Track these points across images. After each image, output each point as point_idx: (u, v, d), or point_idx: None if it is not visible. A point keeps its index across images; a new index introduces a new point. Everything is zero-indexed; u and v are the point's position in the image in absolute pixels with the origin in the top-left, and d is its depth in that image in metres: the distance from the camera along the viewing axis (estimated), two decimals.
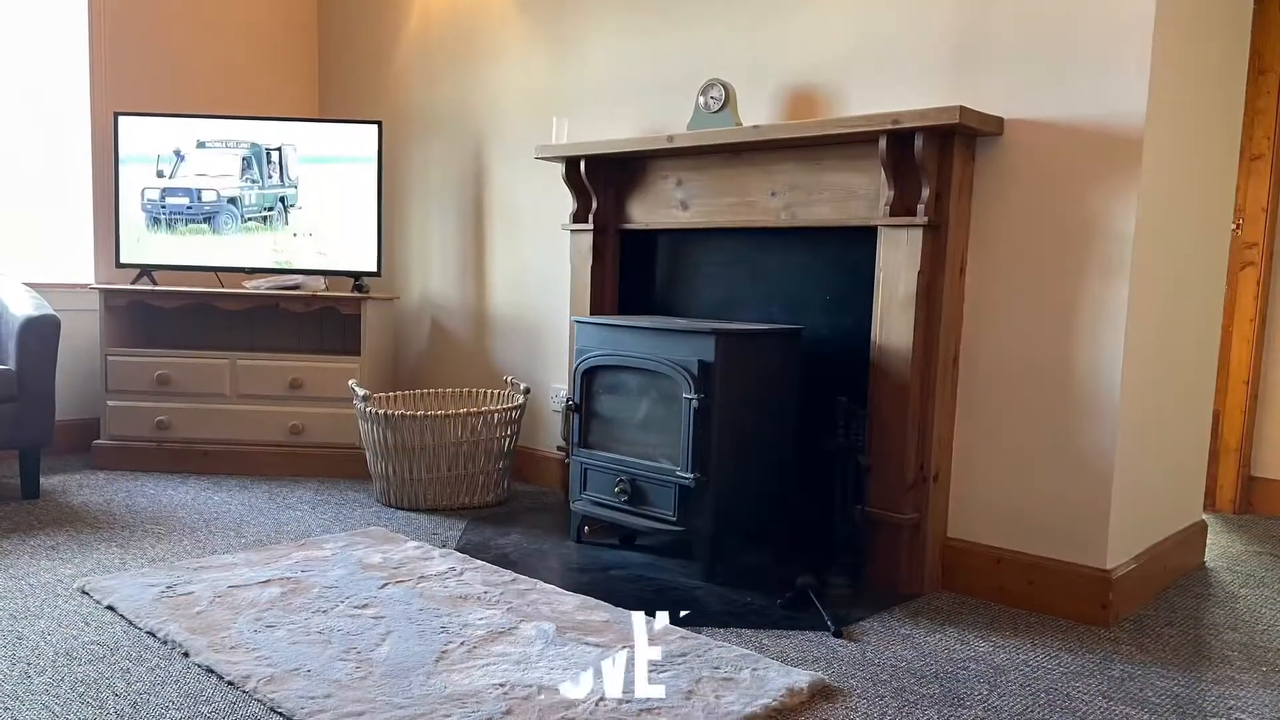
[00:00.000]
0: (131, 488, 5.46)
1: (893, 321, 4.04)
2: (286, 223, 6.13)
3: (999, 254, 4.00)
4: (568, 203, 5.22)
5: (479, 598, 3.82)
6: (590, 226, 5.12)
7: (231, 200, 6.10)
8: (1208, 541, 4.72)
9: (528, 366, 6.00)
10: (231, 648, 3.27)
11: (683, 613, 3.78)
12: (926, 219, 3.94)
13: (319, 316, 6.49)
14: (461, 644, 3.35)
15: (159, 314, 6.33)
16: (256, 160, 6.09)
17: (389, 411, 5.14)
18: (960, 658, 3.43)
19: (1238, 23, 4.36)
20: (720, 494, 4.13)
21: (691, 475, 4.09)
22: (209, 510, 5.04)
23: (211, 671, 3.12)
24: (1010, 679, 3.27)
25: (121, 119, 6.05)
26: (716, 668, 3.20)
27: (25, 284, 5.63)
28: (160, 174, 6.07)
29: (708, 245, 4.89)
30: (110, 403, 5.92)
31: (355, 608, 3.67)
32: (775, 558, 4.45)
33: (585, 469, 4.57)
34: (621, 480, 4.37)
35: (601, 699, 2.96)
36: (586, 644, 3.38)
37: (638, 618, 3.64)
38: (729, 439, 4.14)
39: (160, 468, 5.91)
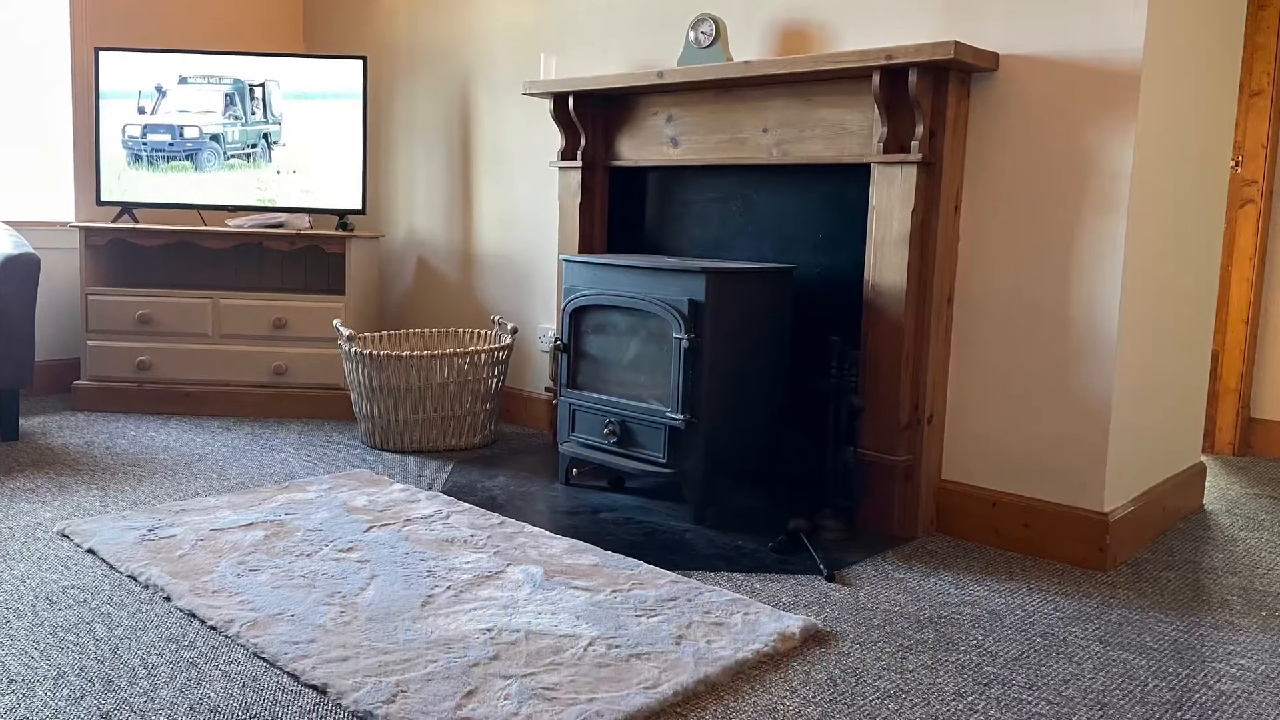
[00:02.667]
0: (112, 429, 5.41)
1: (886, 260, 3.98)
2: (270, 160, 6.05)
3: (994, 192, 3.94)
4: (556, 140, 5.15)
5: (466, 541, 3.78)
6: (579, 164, 5.06)
7: (214, 137, 6.02)
8: (1206, 484, 4.69)
9: (515, 306, 5.94)
10: (214, 592, 3.23)
11: (672, 556, 3.74)
12: (921, 156, 3.87)
13: (303, 255, 6.42)
14: (448, 588, 3.31)
15: (140, 253, 6.25)
16: (239, 96, 6.00)
17: (374, 352, 5.08)
18: (955, 602, 3.40)
19: None
20: (711, 435, 4.08)
21: (681, 416, 4.04)
22: (191, 452, 4.99)
23: (194, 616, 3.08)
24: (1005, 623, 3.24)
25: (102, 54, 5.95)
26: (707, 612, 3.17)
27: (4, 222, 5.54)
28: (141, 110, 5.98)
29: (698, 183, 4.82)
30: (91, 343, 5.85)
31: (340, 551, 3.63)
32: (767, 500, 4.42)
33: (574, 410, 4.52)
34: (610, 422, 4.32)
35: (590, 644, 2.92)
36: (575, 588, 3.34)
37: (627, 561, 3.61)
38: (720, 380, 4.08)
39: (141, 409, 5.85)
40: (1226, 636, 3.19)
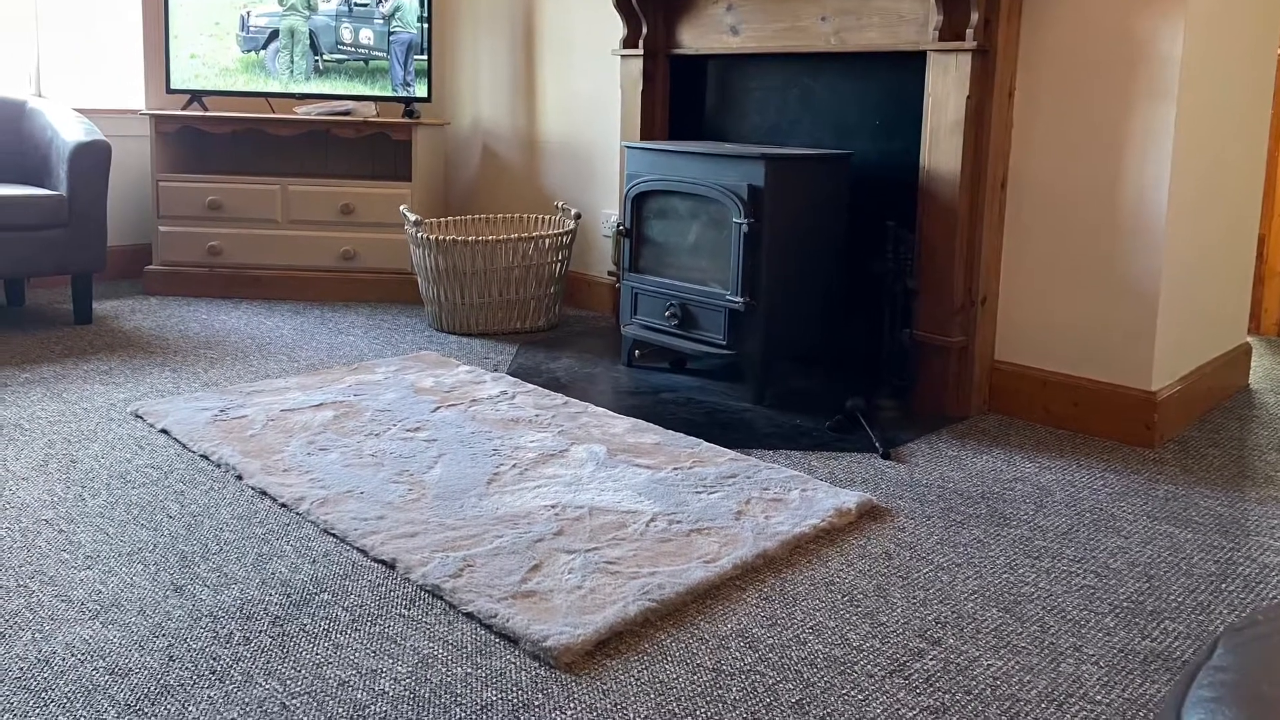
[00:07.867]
0: (184, 313, 5.51)
1: (941, 146, 4.01)
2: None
3: (1047, 78, 3.94)
4: (618, 27, 5.16)
5: (530, 421, 3.86)
6: (640, 52, 5.07)
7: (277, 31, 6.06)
8: (1252, 364, 4.71)
9: (579, 192, 5.99)
10: (284, 470, 3.33)
11: (732, 435, 3.81)
12: (975, 43, 3.88)
13: (370, 142, 6.47)
14: (513, 466, 3.40)
15: (210, 139, 6.32)
16: None
17: (440, 237, 5.14)
18: (1006, 478, 3.46)
19: None
20: (769, 318, 4.14)
21: (741, 299, 4.10)
22: (261, 335, 5.09)
23: (265, 494, 3.18)
24: (1056, 499, 3.30)
25: None
26: (766, 489, 3.24)
27: (75, 110, 5.62)
28: None
29: (757, 70, 4.84)
30: (162, 228, 5.94)
31: (407, 431, 3.72)
32: (824, 381, 4.48)
33: (636, 293, 4.58)
34: (672, 305, 4.38)
35: (652, 519, 3.01)
36: (637, 466, 3.42)
37: (688, 440, 3.68)
38: (778, 263, 4.13)
39: (212, 293, 5.96)
40: (1270, 511, 3.24)
